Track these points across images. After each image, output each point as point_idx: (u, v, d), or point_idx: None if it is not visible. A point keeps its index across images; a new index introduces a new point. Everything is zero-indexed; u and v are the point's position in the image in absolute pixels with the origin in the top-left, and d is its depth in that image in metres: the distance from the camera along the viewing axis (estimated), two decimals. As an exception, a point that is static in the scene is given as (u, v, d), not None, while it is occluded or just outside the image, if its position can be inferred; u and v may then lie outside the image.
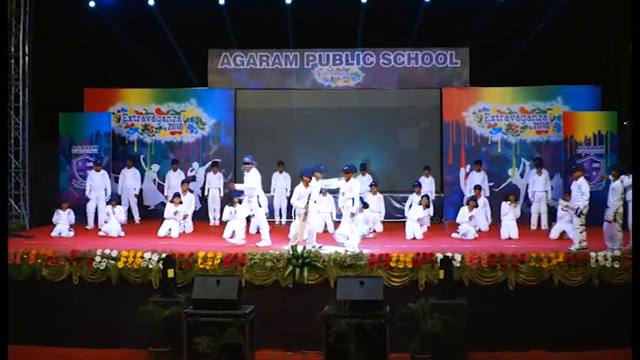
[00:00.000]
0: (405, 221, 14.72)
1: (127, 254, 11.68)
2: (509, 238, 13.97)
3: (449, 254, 11.28)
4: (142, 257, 11.64)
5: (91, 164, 16.74)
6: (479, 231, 14.58)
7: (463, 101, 17.75)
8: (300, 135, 18.24)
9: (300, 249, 11.57)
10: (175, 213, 14.66)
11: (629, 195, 11.69)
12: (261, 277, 11.44)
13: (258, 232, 15.06)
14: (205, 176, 17.44)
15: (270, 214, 16.35)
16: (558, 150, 17.17)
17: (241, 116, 18.36)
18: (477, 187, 15.64)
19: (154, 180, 18.04)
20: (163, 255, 11.49)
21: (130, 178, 17.09)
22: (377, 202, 15.41)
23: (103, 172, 16.29)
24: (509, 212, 14.30)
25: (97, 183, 16.10)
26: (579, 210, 12.14)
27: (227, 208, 14.38)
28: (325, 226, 15.03)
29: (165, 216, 14.74)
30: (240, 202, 14.75)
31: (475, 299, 10.79)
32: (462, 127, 17.69)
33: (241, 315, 10.08)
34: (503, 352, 10.91)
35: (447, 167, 17.69)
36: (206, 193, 16.96)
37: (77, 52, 17.14)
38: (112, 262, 11.63)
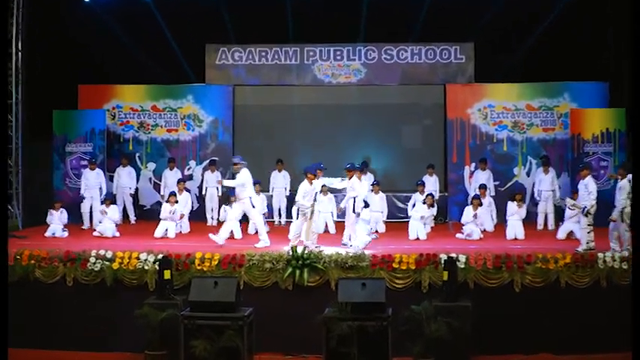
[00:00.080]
0: (408, 221, 14.72)
1: (122, 255, 11.69)
2: (515, 239, 13.98)
3: (453, 255, 11.28)
4: (138, 258, 11.64)
5: (85, 163, 16.75)
6: (484, 231, 14.58)
7: (468, 98, 17.74)
8: (299, 133, 18.24)
9: (300, 250, 11.57)
10: (172, 212, 14.66)
11: (638, 194, 11.68)
12: (260, 278, 11.44)
13: (256, 232, 15.10)
14: (203, 175, 17.43)
15: (270, 213, 16.40)
16: (565, 148, 17.16)
17: (239, 113, 18.35)
18: (482, 187, 15.63)
19: (150, 179, 18.04)
20: (159, 256, 11.50)
21: (125, 177, 17.08)
22: (379, 201, 15.40)
23: (98, 170, 16.29)
24: (515, 212, 14.30)
25: (92, 182, 16.10)
26: (586, 210, 12.14)
27: (224, 208, 14.39)
28: (326, 226, 15.02)
29: (161, 216, 14.75)
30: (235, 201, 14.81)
31: (480, 301, 10.79)
32: (466, 125, 17.68)
33: (239, 318, 10.08)
34: (509, 355, 10.92)
35: (451, 166, 17.69)
36: (203, 193, 16.95)
37: (71, 47, 17.15)
38: (107, 263, 11.64)
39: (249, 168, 17.43)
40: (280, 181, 16.87)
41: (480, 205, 14.46)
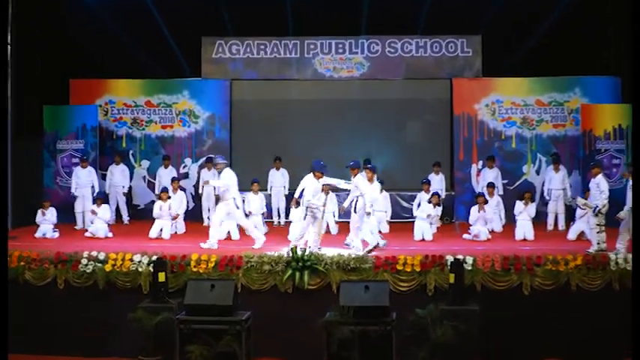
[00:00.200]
0: (412, 221, 14.72)
1: (115, 257, 11.69)
2: (525, 240, 13.97)
3: (460, 257, 11.27)
4: (131, 260, 11.64)
5: (76, 160, 16.76)
6: (492, 232, 14.57)
7: (475, 93, 17.73)
8: (299, 129, 18.23)
9: (300, 251, 11.56)
10: (168, 208, 14.62)
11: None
12: (259, 281, 11.44)
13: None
14: (199, 173, 17.43)
15: (268, 213, 16.40)
16: (576, 145, 17.15)
17: (237, 109, 18.36)
18: (490, 185, 15.62)
19: (144, 177, 18.04)
20: (154, 257, 11.49)
21: (118, 175, 17.08)
22: (383, 200, 15.35)
23: (90, 168, 16.31)
24: (524, 212, 14.30)
25: (84, 180, 16.13)
26: (597, 209, 12.13)
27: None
28: (327, 226, 15.01)
29: (154, 215, 14.75)
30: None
31: (488, 305, 10.79)
32: (473, 121, 17.68)
33: (237, 322, 10.09)
34: (518, 361, 10.95)
35: (458, 163, 17.68)
36: (200, 192, 16.94)
37: (62, 40, 17.16)
38: (99, 264, 11.64)
39: (247, 166, 17.56)
40: (279, 179, 16.86)
41: (486, 202, 14.46)
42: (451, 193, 17.40)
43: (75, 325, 11.48)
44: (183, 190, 16.54)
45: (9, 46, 16.24)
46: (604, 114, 16.58)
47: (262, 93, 18.41)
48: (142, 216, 17.07)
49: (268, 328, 10.89)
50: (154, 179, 17.35)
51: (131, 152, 18.10)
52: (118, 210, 16.97)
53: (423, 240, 14.00)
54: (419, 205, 15.05)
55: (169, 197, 14.89)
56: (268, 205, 16.34)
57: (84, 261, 11.68)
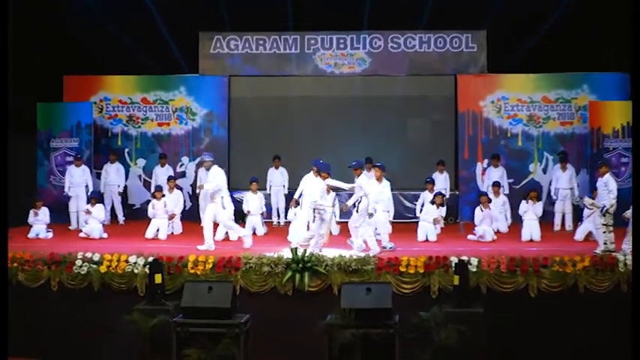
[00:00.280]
0: (416, 221, 14.71)
1: (110, 258, 11.71)
2: (531, 240, 13.97)
3: (464, 258, 11.29)
4: (127, 261, 11.66)
5: (70, 159, 16.76)
6: (498, 232, 14.57)
7: (480, 89, 17.72)
8: (299, 127, 18.23)
9: (300, 252, 11.56)
10: (164, 206, 14.59)
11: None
12: (258, 283, 11.45)
13: (254, 233, 15.12)
14: (196, 172, 17.42)
15: (268, 213, 16.39)
16: (584, 143, 17.14)
17: (235, 106, 18.35)
18: (496, 184, 15.62)
19: (140, 176, 18.03)
20: (150, 259, 11.51)
21: (113, 174, 17.07)
22: (385, 201, 15.35)
23: (84, 167, 16.31)
24: (529, 211, 14.29)
25: (77, 179, 16.13)
26: (605, 209, 12.13)
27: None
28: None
29: (149, 214, 14.75)
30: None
31: (493, 307, 10.80)
32: (478, 118, 17.67)
33: (236, 325, 10.09)
34: (524, 364, 10.96)
35: (463, 162, 17.68)
36: (197, 191, 16.93)
37: (56, 36, 17.14)
38: (94, 266, 11.66)
39: (245, 164, 17.56)
40: (278, 178, 16.86)
41: (489, 202, 14.46)
42: (455, 192, 17.40)
43: (69, 327, 11.49)
44: (180, 189, 16.54)
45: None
46: (612, 111, 16.57)
47: (261, 90, 18.40)
48: (137, 216, 17.07)
49: (267, 332, 10.89)
50: (150, 178, 17.34)
51: (127, 150, 18.09)
52: (113, 210, 16.96)
53: (427, 241, 14.01)
54: (422, 205, 15.04)
55: (163, 195, 14.89)
56: (267, 205, 16.34)
57: (78, 262, 11.70)
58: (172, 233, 15.03)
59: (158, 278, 11.03)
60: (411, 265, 11.33)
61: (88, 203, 15.22)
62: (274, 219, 16.81)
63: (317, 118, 18.22)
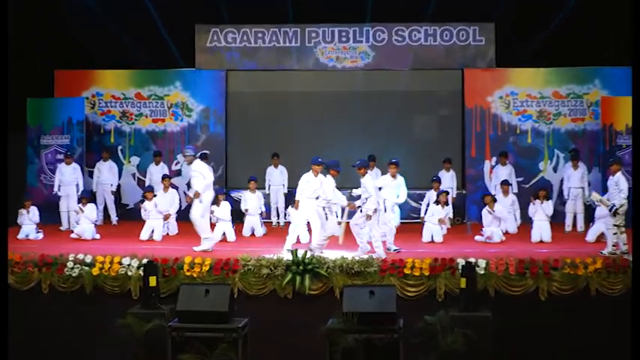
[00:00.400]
0: (421, 222, 14.72)
1: (102, 259, 11.73)
2: (541, 242, 13.98)
3: (472, 260, 11.30)
4: (120, 263, 11.68)
5: (61, 156, 16.76)
6: (506, 233, 14.58)
7: (488, 84, 17.71)
8: (300, 123, 18.24)
9: (300, 253, 11.57)
10: (155, 206, 14.59)
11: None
12: (257, 285, 11.47)
13: (252, 234, 15.16)
14: (192, 170, 17.42)
15: (267, 213, 16.39)
16: (596, 140, 17.14)
17: (233, 101, 18.35)
18: (505, 183, 15.63)
19: (134, 175, 18.05)
20: (144, 260, 11.51)
21: (105, 172, 17.08)
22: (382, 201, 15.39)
23: (75, 165, 16.31)
24: (539, 211, 14.29)
25: (68, 178, 16.14)
26: (615, 208, 12.14)
27: (213, 208, 14.47)
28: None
29: (143, 217, 14.75)
30: (224, 199, 14.82)
31: (501, 311, 10.81)
32: (486, 114, 17.67)
33: (233, 329, 10.10)
34: (534, 371, 10.98)
35: (470, 160, 17.68)
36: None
37: (46, 28, 17.14)
38: (86, 268, 11.68)
39: (243, 162, 17.55)
40: (277, 177, 16.85)
41: (494, 201, 14.48)
42: (462, 191, 17.40)
43: (60, 332, 11.51)
44: (176, 188, 16.53)
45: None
46: (626, 107, 16.46)
47: (260, 84, 18.40)
48: (131, 216, 17.06)
49: (267, 336, 10.90)
50: (145, 177, 17.37)
51: (120, 148, 18.09)
52: (105, 210, 16.98)
53: (433, 242, 14.03)
54: (428, 204, 15.05)
55: (155, 196, 14.88)
56: (266, 205, 16.34)
57: (70, 264, 11.71)
58: (168, 234, 15.04)
59: (153, 281, 11.05)
60: (416, 267, 11.34)
61: (79, 203, 15.22)
62: (273, 219, 16.81)
63: (318, 114, 18.22)
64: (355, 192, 13.02)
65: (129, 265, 11.63)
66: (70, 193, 16.03)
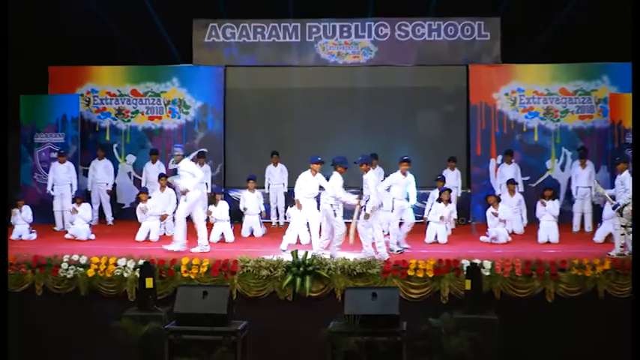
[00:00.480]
0: (424, 222, 14.72)
1: (98, 261, 11.71)
2: (548, 242, 13.98)
3: (477, 261, 11.27)
4: (116, 264, 11.67)
5: (56, 155, 16.76)
6: (512, 233, 14.59)
7: (493, 81, 17.74)
8: (300, 120, 18.24)
9: (301, 254, 11.57)
10: (144, 211, 14.59)
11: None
12: (256, 287, 11.46)
13: (251, 234, 15.15)
14: (190, 169, 17.42)
15: (266, 213, 16.39)
16: (605, 138, 17.14)
17: (232, 98, 18.37)
18: (511, 182, 15.64)
19: (130, 173, 18.07)
20: (140, 262, 11.50)
21: (101, 171, 17.10)
22: (391, 199, 15.37)
23: (69, 163, 16.32)
24: (546, 212, 14.28)
25: (62, 177, 16.15)
26: (618, 207, 12.14)
27: (210, 208, 14.49)
28: (332, 228, 14.97)
29: (139, 219, 14.74)
30: (223, 198, 14.81)
31: (507, 314, 10.79)
32: (492, 112, 17.68)
33: (232, 332, 10.10)
34: (540, 375, 10.98)
35: (475, 158, 17.70)
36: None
37: (40, 24, 17.13)
38: (81, 269, 11.67)
39: (242, 161, 17.53)
40: (277, 176, 16.87)
41: (499, 201, 14.47)
42: (467, 191, 17.40)
43: (54, 335, 11.50)
44: (173, 187, 16.52)
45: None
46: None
47: (259, 81, 18.40)
48: (127, 216, 17.09)
49: (266, 340, 10.89)
50: (141, 176, 17.37)
51: (115, 146, 18.12)
52: (101, 209, 17.01)
53: (437, 242, 14.02)
54: (432, 204, 15.04)
55: (149, 197, 14.87)
56: (266, 204, 16.34)
57: (64, 265, 11.71)
58: (164, 234, 15.03)
59: (149, 282, 11.03)
60: (420, 268, 11.33)
61: (73, 203, 15.20)
62: (273, 219, 16.82)
63: (319, 111, 18.23)
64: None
65: (125, 266, 11.62)
66: (64, 192, 16.04)
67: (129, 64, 18.11)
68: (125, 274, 11.57)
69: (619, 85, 17.28)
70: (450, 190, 14.80)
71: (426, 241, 14.06)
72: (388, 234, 14.56)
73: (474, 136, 17.70)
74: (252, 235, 15.26)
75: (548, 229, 14.16)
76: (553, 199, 14.66)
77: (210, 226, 14.56)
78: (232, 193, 17.12)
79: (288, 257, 11.68)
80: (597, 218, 15.03)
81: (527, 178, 16.95)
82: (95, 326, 11.23)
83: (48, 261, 11.81)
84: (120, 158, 18.08)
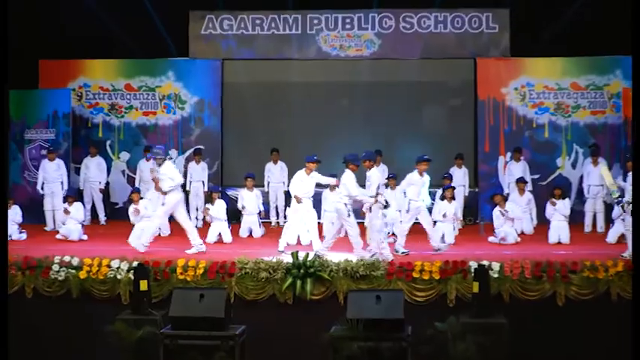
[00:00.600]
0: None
1: (90, 262, 11.71)
2: (559, 243, 13.99)
3: (485, 262, 11.27)
4: (109, 266, 11.66)
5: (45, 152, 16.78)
6: (522, 234, 14.58)
7: (502, 75, 17.73)
8: (301, 116, 18.24)
9: (302, 256, 11.56)
10: (137, 213, 14.53)
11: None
12: (255, 290, 11.45)
13: (250, 234, 15.15)
14: (186, 167, 17.43)
15: (266, 212, 16.39)
16: (618, 135, 17.14)
17: (229, 93, 18.37)
18: (521, 180, 15.63)
19: (123, 171, 18.08)
20: (134, 263, 11.51)
21: (93, 169, 17.11)
22: (396, 198, 15.37)
23: (59, 161, 16.33)
24: (556, 211, 14.27)
25: (52, 175, 16.17)
26: (622, 203, 12.14)
27: (207, 207, 14.48)
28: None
29: (132, 221, 14.71)
30: (220, 197, 14.80)
31: (516, 317, 10.78)
32: (500, 107, 17.67)
33: (230, 337, 10.09)
34: (551, 381, 10.98)
35: (483, 155, 17.69)
36: (187, 188, 16.94)
37: (30, 16, 17.12)
38: (73, 271, 11.66)
39: (240, 158, 17.52)
40: (277, 174, 16.87)
41: (505, 200, 14.46)
42: (475, 189, 17.39)
43: (45, 339, 11.50)
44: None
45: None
46: (649, 99, 16.55)
47: (258, 75, 18.40)
48: (120, 215, 17.06)
49: (265, 344, 10.89)
50: (135, 174, 17.39)
51: (108, 143, 18.13)
52: (93, 209, 17.01)
53: (443, 243, 14.00)
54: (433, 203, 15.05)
55: (141, 198, 14.85)
56: (265, 204, 16.33)
57: (55, 267, 11.70)
58: (160, 235, 15.02)
59: (144, 285, 11.02)
60: (426, 270, 11.32)
61: (64, 202, 15.17)
62: (272, 219, 16.82)
63: (320, 106, 18.23)
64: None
65: (118, 268, 11.62)
66: (54, 190, 16.05)
67: (122, 57, 18.12)
68: (119, 276, 11.57)
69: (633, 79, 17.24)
70: (453, 188, 14.77)
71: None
72: (393, 234, 14.64)
73: (481, 133, 17.69)
74: (250, 235, 15.26)
75: (559, 230, 14.16)
76: (563, 198, 14.66)
77: (207, 226, 14.56)
78: (230, 192, 17.12)
79: (288, 259, 11.68)
80: (610, 218, 15.04)
81: (537, 177, 16.96)
82: (87, 330, 11.24)
83: (38, 262, 11.80)
84: (113, 155, 18.09)
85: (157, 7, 17.25)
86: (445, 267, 11.36)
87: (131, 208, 14.56)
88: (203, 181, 16.90)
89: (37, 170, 16.74)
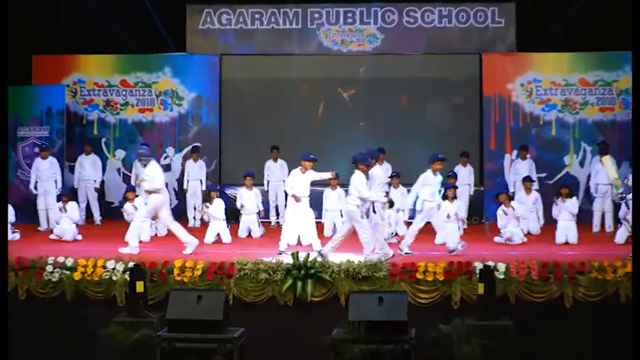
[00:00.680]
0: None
1: (85, 263, 11.72)
2: (566, 243, 13.98)
3: (490, 263, 11.27)
4: (104, 267, 11.67)
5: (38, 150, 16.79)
6: (528, 234, 14.59)
7: (508, 70, 17.73)
8: (301, 112, 18.26)
9: (302, 256, 11.57)
10: (131, 212, 14.54)
11: None
12: (254, 292, 11.46)
13: (249, 234, 15.16)
14: (183, 165, 17.46)
15: (265, 212, 16.39)
16: (627, 132, 17.10)
17: (228, 89, 18.36)
18: (527, 179, 15.61)
19: (119, 170, 18.08)
20: (130, 264, 11.50)
21: (88, 167, 17.12)
22: (399, 197, 15.38)
23: (52, 159, 16.32)
24: (563, 210, 14.27)
25: (45, 173, 16.16)
26: (625, 199, 12.14)
27: (205, 205, 14.47)
28: (334, 227, 15.01)
29: (126, 219, 14.73)
30: (218, 196, 14.80)
31: (523, 319, 10.80)
32: (506, 103, 17.66)
33: (228, 340, 10.10)
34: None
35: (489, 153, 17.68)
36: (184, 187, 16.97)
37: (22, 9, 17.11)
38: (67, 272, 11.67)
39: (239, 156, 17.52)
40: (277, 172, 16.86)
41: (510, 199, 14.47)
42: (480, 188, 17.39)
43: (38, 342, 11.51)
44: (165, 184, 16.50)
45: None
46: (660, 95, 16.54)
47: (257, 70, 18.41)
48: (116, 215, 17.04)
49: (265, 347, 10.91)
50: (130, 172, 17.38)
51: (104, 140, 18.13)
52: (88, 208, 17.01)
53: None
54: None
55: (137, 196, 14.84)
56: (265, 203, 16.33)
57: (49, 268, 11.71)
58: (156, 235, 15.04)
59: (140, 286, 11.03)
60: (430, 271, 11.32)
61: (58, 201, 15.17)
62: (272, 219, 16.81)
63: (321, 102, 18.20)
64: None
65: (114, 269, 11.62)
66: (48, 189, 16.04)
67: (118, 52, 18.11)
68: (114, 278, 11.57)
69: (642, 75, 17.26)
70: (455, 188, 14.77)
71: (436, 243, 14.02)
72: (397, 234, 14.67)
73: (487, 130, 17.69)
74: (249, 235, 15.26)
75: (567, 229, 14.16)
76: (570, 197, 14.64)
77: (204, 225, 14.56)
78: (228, 191, 17.13)
79: (288, 259, 11.68)
80: (618, 218, 15.04)
81: (544, 175, 16.95)
82: (82, 333, 11.24)
83: (32, 263, 11.81)
84: (108, 153, 18.09)
85: (153, 1, 17.23)
86: (450, 268, 11.36)
87: (125, 207, 14.58)
88: (201, 180, 16.89)
89: (31, 168, 16.74)
